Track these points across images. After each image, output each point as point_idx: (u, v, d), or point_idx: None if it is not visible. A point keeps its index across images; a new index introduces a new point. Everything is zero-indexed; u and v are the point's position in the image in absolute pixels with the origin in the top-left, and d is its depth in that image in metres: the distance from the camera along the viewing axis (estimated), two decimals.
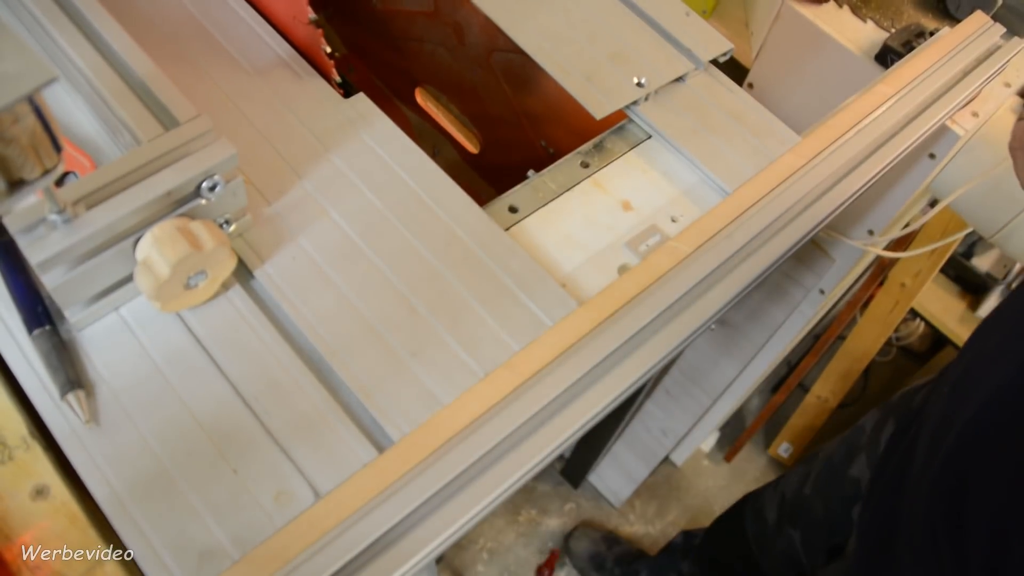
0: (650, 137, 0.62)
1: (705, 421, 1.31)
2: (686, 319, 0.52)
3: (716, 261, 0.54)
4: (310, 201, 0.53)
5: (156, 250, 0.42)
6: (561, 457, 1.42)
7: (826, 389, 1.49)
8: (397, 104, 1.04)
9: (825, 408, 1.50)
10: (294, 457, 0.43)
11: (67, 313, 0.44)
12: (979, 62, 0.74)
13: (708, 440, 1.56)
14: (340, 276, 0.49)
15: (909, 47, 0.76)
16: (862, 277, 1.28)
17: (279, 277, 0.49)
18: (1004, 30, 0.76)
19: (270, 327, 0.47)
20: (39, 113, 0.35)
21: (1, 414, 0.43)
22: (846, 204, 0.62)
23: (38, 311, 0.44)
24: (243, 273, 0.49)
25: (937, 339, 1.66)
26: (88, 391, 0.43)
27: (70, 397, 0.42)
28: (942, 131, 0.77)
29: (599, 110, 0.60)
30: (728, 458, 1.57)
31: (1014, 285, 1.38)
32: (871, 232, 0.92)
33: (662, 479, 1.52)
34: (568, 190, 0.58)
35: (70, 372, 0.43)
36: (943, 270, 1.45)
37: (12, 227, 0.39)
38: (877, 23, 0.83)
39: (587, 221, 0.56)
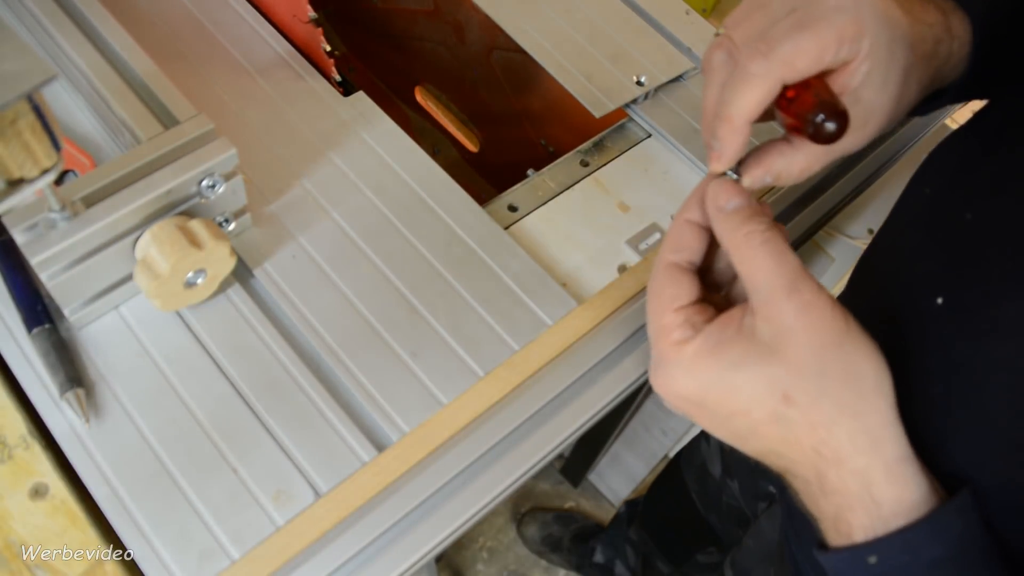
0: (650, 136, 0.62)
1: None
2: None
3: None
4: (310, 200, 0.52)
5: (155, 248, 0.42)
6: (561, 456, 1.42)
7: None
8: (397, 103, 1.04)
9: None
10: (294, 456, 0.43)
11: (66, 311, 0.44)
12: None
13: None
14: (340, 275, 0.49)
15: None
16: None
17: (279, 276, 0.49)
18: None
19: (270, 326, 0.47)
20: (39, 111, 0.35)
21: (0, 413, 0.43)
22: (847, 203, 0.62)
23: (37, 309, 0.44)
24: (243, 272, 0.49)
25: None
26: (87, 389, 0.43)
27: (69, 395, 0.42)
28: (942, 130, 0.77)
29: (599, 109, 0.60)
30: None
31: None
32: (871, 231, 0.92)
33: None
34: (568, 189, 0.58)
35: (69, 370, 0.43)
36: None
37: (11, 225, 0.39)
38: None
39: (587, 220, 0.56)
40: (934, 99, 0.41)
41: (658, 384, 0.35)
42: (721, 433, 0.35)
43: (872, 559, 0.32)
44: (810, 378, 0.32)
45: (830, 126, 0.32)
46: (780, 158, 0.36)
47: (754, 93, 0.33)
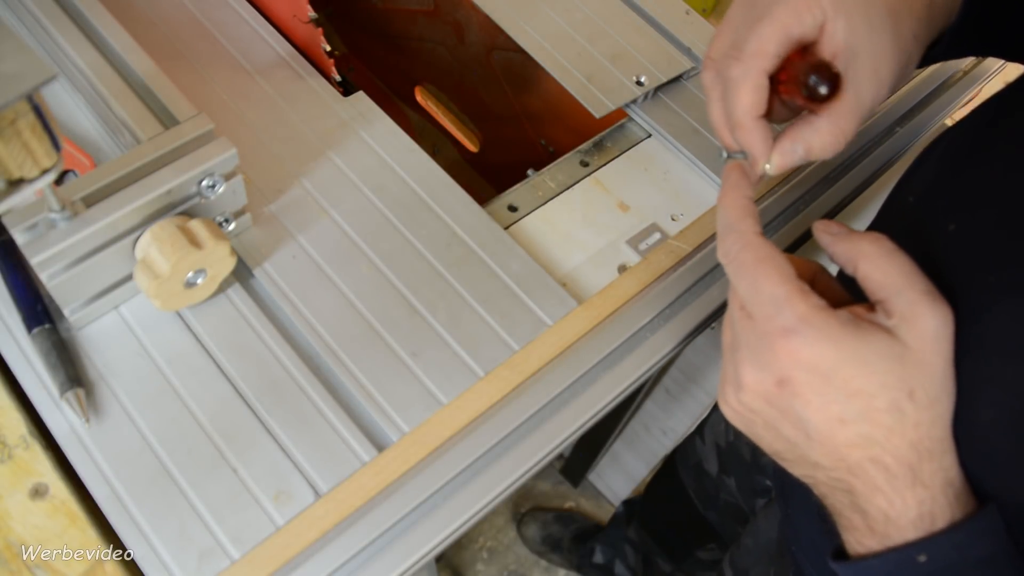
0: (650, 136, 0.62)
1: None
2: (687, 317, 0.52)
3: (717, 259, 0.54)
4: (310, 200, 0.52)
5: (155, 248, 0.42)
6: (561, 456, 1.42)
7: None
8: (397, 103, 1.04)
9: None
10: (294, 456, 0.43)
11: (66, 312, 0.44)
12: (979, 60, 0.73)
13: None
14: (340, 275, 0.49)
15: None
16: None
17: (279, 276, 0.49)
18: None
19: (270, 326, 0.47)
20: (39, 111, 0.35)
21: (0, 413, 0.43)
22: (847, 203, 0.62)
23: (37, 309, 0.44)
24: (243, 272, 0.49)
25: None
26: (87, 390, 0.43)
27: (69, 395, 0.42)
28: (941, 130, 0.77)
29: (599, 109, 0.60)
30: None
31: None
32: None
33: None
34: (568, 189, 0.58)
35: (69, 371, 0.43)
36: None
37: (11, 225, 0.39)
38: None
39: (587, 220, 0.56)
40: (933, 50, 0.41)
41: (792, 346, 0.33)
42: (820, 417, 0.33)
43: (922, 558, 0.32)
44: (936, 382, 0.33)
45: (817, 79, 0.35)
46: (806, 128, 0.37)
47: (745, 92, 0.37)
